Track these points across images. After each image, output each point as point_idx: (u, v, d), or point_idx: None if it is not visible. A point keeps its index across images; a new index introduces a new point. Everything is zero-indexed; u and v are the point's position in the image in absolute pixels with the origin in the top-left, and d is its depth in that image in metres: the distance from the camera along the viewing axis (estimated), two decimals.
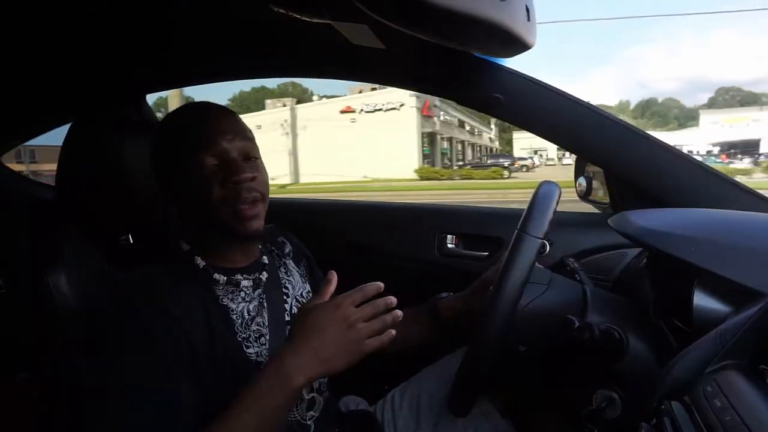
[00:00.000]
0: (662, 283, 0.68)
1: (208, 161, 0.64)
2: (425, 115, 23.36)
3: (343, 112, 23.69)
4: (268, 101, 31.68)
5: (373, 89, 23.29)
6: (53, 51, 0.98)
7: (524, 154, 33.78)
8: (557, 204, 0.67)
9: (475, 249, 1.16)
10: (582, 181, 1.14)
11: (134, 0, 0.82)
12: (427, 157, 25.05)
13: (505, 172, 21.18)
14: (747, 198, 0.84)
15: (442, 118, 25.74)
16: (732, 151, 28.35)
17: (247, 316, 0.68)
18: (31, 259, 0.77)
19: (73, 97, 1.12)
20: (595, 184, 1.13)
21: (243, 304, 0.68)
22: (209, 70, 1.14)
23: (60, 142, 0.88)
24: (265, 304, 0.71)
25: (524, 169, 24.95)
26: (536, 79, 0.91)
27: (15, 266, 0.83)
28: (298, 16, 0.74)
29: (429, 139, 25.33)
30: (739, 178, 0.98)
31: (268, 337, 0.69)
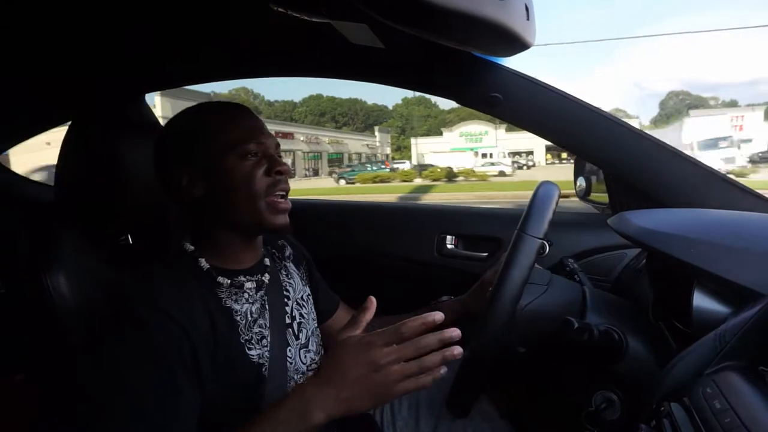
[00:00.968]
0: (661, 284, 0.68)
1: (251, 153, 0.67)
2: None
3: None
4: None
5: None
6: (52, 50, 0.98)
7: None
8: (557, 204, 0.67)
9: (474, 249, 1.16)
10: (581, 181, 1.14)
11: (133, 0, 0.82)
12: None
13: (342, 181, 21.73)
14: (747, 198, 0.84)
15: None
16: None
17: (250, 318, 0.67)
18: (30, 260, 0.77)
19: (72, 97, 1.12)
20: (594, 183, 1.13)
21: (247, 305, 0.68)
22: (209, 70, 1.14)
23: None
24: (266, 306, 0.71)
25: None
26: (536, 79, 0.91)
27: (14, 266, 0.83)
28: (298, 16, 0.74)
29: None
30: None
31: (269, 339, 0.69)
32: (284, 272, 0.79)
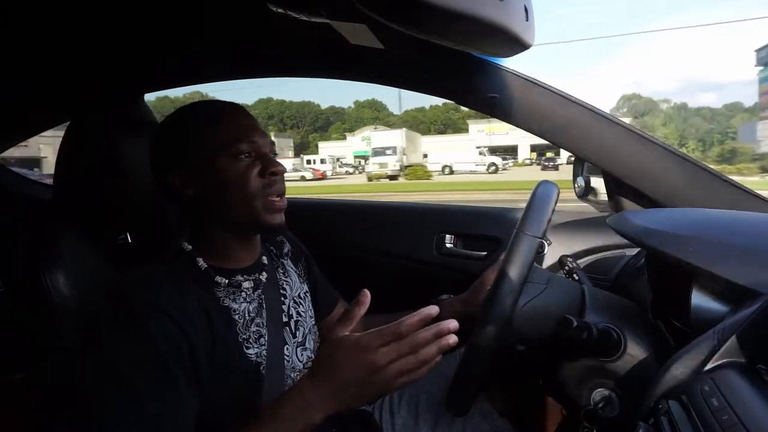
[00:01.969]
0: (660, 283, 0.68)
1: (244, 154, 0.66)
2: None
3: None
4: None
5: None
6: (52, 50, 0.98)
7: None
8: (556, 204, 0.67)
9: (473, 249, 1.17)
10: (580, 181, 1.15)
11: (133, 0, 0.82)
12: None
13: None
14: (745, 198, 0.85)
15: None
16: (496, 153, 35.12)
17: (248, 317, 0.68)
18: (29, 259, 0.77)
19: (71, 96, 1.12)
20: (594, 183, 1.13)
21: (245, 304, 0.68)
22: (208, 70, 1.14)
23: None
24: (264, 305, 0.71)
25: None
26: (535, 79, 0.91)
27: (13, 265, 0.83)
28: (297, 16, 0.74)
29: None
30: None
31: (267, 338, 0.69)
32: (281, 270, 0.80)
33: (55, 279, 0.75)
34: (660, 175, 0.88)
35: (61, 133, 0.89)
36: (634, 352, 0.63)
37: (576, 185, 1.16)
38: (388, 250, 1.22)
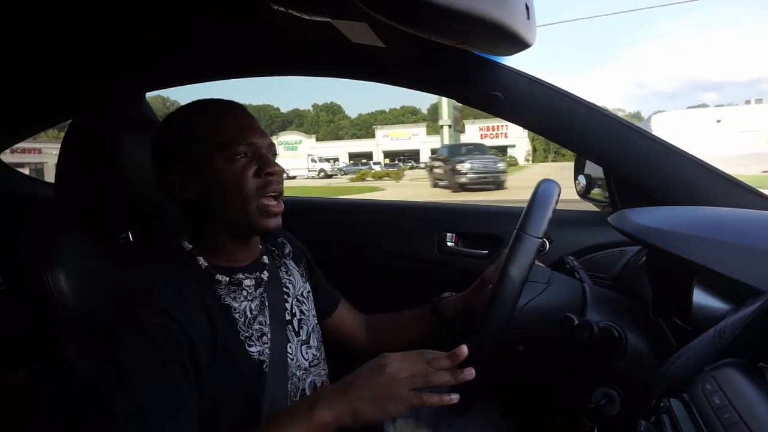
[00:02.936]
0: (661, 281, 0.68)
1: (241, 155, 0.66)
2: None
3: None
4: None
5: None
6: (53, 49, 0.98)
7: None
8: (557, 203, 0.67)
9: (474, 247, 1.16)
10: (581, 179, 1.15)
11: None
12: None
13: None
14: (747, 196, 0.84)
15: None
16: (402, 157, 40.69)
17: (249, 315, 0.68)
18: (30, 258, 0.77)
19: (72, 95, 1.12)
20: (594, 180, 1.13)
21: (245, 302, 0.68)
22: (209, 69, 1.14)
23: None
24: (266, 303, 0.71)
25: None
26: (536, 78, 0.91)
27: (14, 264, 0.83)
28: (298, 15, 0.74)
29: None
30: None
31: (269, 336, 0.69)
32: (284, 269, 0.79)
33: (56, 278, 0.75)
34: (662, 173, 0.88)
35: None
36: (636, 350, 0.63)
37: (577, 184, 1.17)
38: (389, 249, 1.22)
